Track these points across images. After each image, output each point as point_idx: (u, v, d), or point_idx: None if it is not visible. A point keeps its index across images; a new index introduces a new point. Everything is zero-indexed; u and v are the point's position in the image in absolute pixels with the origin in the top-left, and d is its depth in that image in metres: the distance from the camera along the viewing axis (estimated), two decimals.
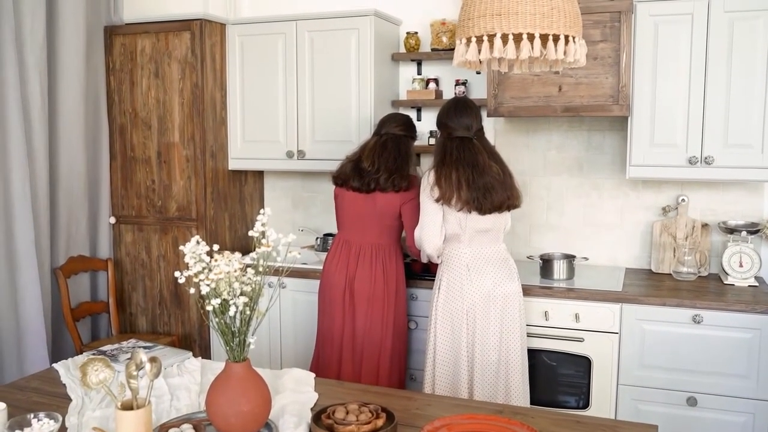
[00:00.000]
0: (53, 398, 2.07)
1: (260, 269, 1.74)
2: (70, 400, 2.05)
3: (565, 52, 1.76)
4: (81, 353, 3.29)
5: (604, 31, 3.17)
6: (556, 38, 1.76)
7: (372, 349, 3.13)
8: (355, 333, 3.14)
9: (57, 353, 3.62)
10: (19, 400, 2.04)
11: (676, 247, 3.43)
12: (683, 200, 3.46)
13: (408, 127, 3.22)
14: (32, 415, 1.68)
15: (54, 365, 2.33)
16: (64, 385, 2.16)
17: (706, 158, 3.13)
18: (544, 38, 1.76)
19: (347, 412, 1.78)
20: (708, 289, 3.15)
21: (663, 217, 3.54)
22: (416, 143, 3.70)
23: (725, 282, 3.24)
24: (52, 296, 3.59)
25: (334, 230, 3.41)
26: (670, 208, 3.51)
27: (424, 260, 3.11)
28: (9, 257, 3.32)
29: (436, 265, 3.05)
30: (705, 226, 3.43)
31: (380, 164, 3.09)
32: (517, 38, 1.74)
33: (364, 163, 3.11)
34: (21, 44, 3.32)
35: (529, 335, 3.13)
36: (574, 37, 1.76)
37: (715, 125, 3.10)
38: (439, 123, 3.01)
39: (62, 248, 3.68)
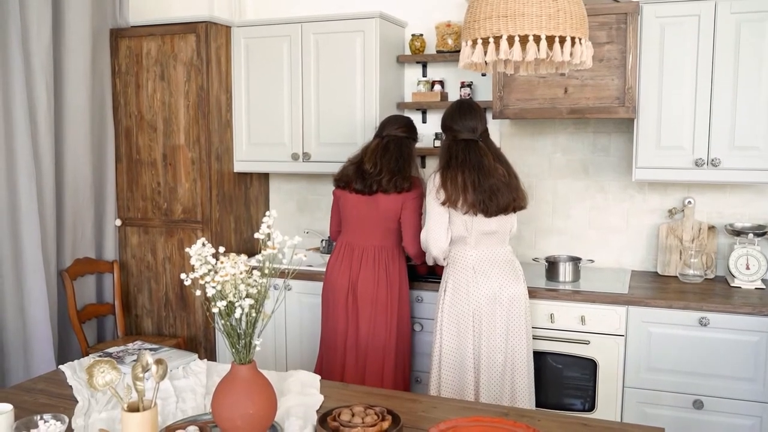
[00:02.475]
0: (60, 400, 2.08)
1: (266, 271, 1.74)
2: (77, 401, 2.05)
3: (571, 54, 1.75)
4: (87, 355, 3.30)
5: (610, 32, 3.17)
6: (562, 40, 1.75)
7: (376, 352, 3.13)
8: (359, 336, 3.14)
9: (63, 355, 3.62)
10: (26, 402, 2.04)
11: (683, 250, 3.42)
12: (689, 202, 3.45)
13: (409, 129, 3.22)
14: (39, 417, 1.68)
15: (60, 367, 2.33)
16: (71, 386, 2.17)
17: (712, 160, 3.11)
18: (550, 40, 1.76)
19: (353, 415, 1.78)
20: (714, 292, 3.14)
21: (669, 220, 3.53)
22: (422, 145, 3.71)
23: (732, 284, 3.23)
24: (58, 298, 3.60)
25: None
26: (677, 210, 3.50)
27: (430, 262, 3.10)
28: (15, 259, 3.33)
29: (442, 267, 3.05)
30: (711, 228, 3.42)
31: (382, 166, 3.09)
32: (523, 40, 1.74)
33: (367, 164, 3.11)
34: (27, 48, 3.33)
35: (534, 338, 3.12)
36: (580, 39, 1.76)
37: (721, 127, 3.09)
38: (444, 126, 3.00)
39: (68, 250, 3.69)
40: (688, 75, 3.12)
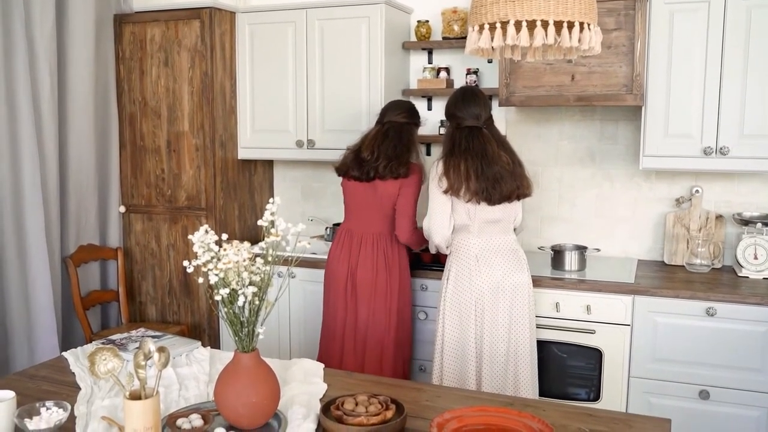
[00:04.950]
0: (63, 387, 2.07)
1: (269, 259, 1.72)
2: (80, 388, 2.05)
3: (579, 40, 1.72)
4: (91, 342, 3.30)
5: (618, 19, 3.13)
6: (570, 25, 1.72)
7: (375, 339, 3.12)
8: (358, 323, 3.13)
9: (67, 342, 3.63)
10: (29, 389, 2.04)
11: (690, 239, 3.39)
12: (697, 191, 3.42)
13: (411, 114, 3.19)
14: (41, 404, 1.67)
15: (63, 354, 2.33)
16: (74, 373, 2.16)
17: (721, 149, 3.08)
18: (558, 25, 1.73)
19: (356, 404, 1.76)
20: (722, 282, 3.11)
21: (676, 209, 3.50)
22: (427, 133, 3.69)
23: (739, 274, 3.21)
24: (62, 285, 3.60)
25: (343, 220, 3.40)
26: (684, 199, 3.46)
27: (433, 251, 3.09)
28: (19, 246, 3.32)
29: (445, 255, 3.03)
30: (719, 217, 3.39)
31: (380, 153, 3.07)
32: (531, 25, 1.71)
33: (364, 152, 3.09)
34: (30, 34, 3.31)
35: (539, 327, 3.10)
36: (589, 24, 1.73)
37: (730, 115, 3.06)
38: (448, 113, 2.98)
39: (72, 237, 3.68)
40: (698, 62, 3.08)
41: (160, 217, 3.91)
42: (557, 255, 3.33)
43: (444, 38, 3.71)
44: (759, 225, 3.21)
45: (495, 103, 3.52)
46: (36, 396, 1.96)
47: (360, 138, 3.19)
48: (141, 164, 3.92)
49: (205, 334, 3.87)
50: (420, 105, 3.82)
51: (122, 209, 3.98)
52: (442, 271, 3.05)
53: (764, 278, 3.15)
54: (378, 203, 3.11)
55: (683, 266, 3.39)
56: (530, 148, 3.68)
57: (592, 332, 3.10)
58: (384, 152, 3.06)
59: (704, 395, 2.96)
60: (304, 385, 2.05)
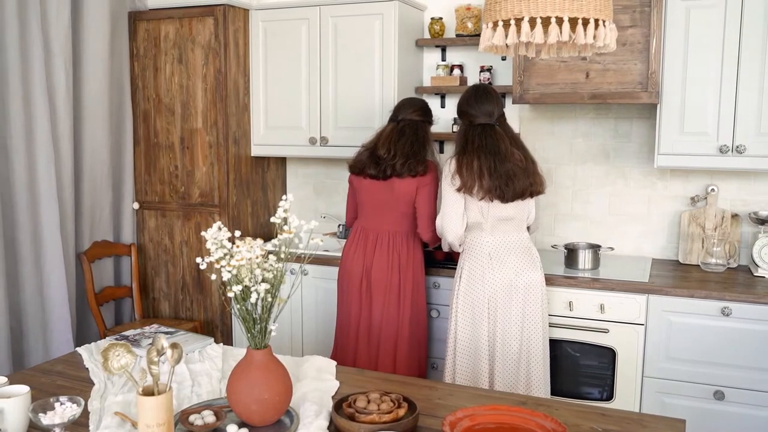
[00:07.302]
0: (77, 382, 2.09)
1: (282, 256, 1.72)
2: (93, 384, 2.06)
3: (594, 37, 1.71)
4: (105, 337, 3.32)
5: (633, 16, 3.10)
6: (585, 22, 1.71)
7: (389, 337, 3.11)
8: (372, 321, 3.13)
9: (81, 337, 3.65)
10: (44, 384, 2.06)
11: (705, 238, 3.36)
12: (713, 190, 3.39)
13: (425, 112, 3.19)
14: (55, 399, 1.68)
15: (77, 349, 2.34)
16: (87, 369, 2.18)
17: (737, 147, 3.05)
18: (573, 22, 1.71)
19: (369, 401, 1.76)
20: (737, 281, 3.08)
21: (691, 207, 3.47)
22: (440, 130, 3.68)
23: (755, 274, 3.17)
24: (77, 281, 3.62)
25: None
26: (699, 197, 3.43)
27: (446, 248, 3.08)
28: (34, 242, 3.35)
29: (459, 253, 3.02)
30: (735, 216, 3.36)
31: (396, 150, 3.06)
32: (546, 22, 1.70)
33: (381, 150, 3.08)
34: (46, 31, 3.33)
35: (552, 325, 3.09)
36: (604, 21, 1.71)
37: (747, 113, 3.02)
38: (460, 111, 2.97)
39: (86, 233, 3.71)
40: (714, 59, 3.05)
41: (173, 214, 3.93)
42: (571, 253, 3.31)
43: (458, 35, 3.69)
44: None
45: (509, 101, 3.51)
46: (50, 391, 1.97)
47: (374, 135, 3.19)
48: (155, 161, 3.94)
49: (218, 330, 3.89)
50: (433, 102, 3.81)
51: (136, 206, 4.00)
52: (455, 268, 3.04)
53: None
54: (394, 201, 3.11)
55: (698, 265, 3.36)
56: (544, 146, 3.66)
57: (606, 331, 3.08)
58: (401, 150, 3.05)
59: (719, 396, 2.93)
60: (316, 382, 2.05)
